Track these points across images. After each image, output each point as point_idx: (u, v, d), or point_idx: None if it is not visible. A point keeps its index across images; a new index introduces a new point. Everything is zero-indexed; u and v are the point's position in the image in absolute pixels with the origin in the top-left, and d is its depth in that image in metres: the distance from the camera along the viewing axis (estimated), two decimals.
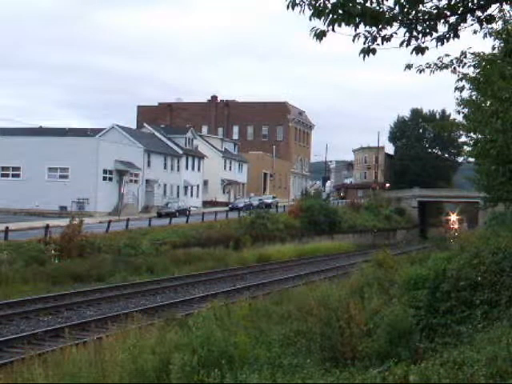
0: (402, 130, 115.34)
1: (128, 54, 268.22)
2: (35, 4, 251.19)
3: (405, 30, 6.57)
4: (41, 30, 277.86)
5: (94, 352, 11.64)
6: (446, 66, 11.70)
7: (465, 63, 11.91)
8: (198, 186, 76.88)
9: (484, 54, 13.37)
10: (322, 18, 6.27)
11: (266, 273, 34.61)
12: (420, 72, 9.58)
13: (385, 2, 6.36)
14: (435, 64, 11.24)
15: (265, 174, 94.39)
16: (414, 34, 6.59)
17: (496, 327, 9.16)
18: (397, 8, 6.38)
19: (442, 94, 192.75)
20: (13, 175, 57.40)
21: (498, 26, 11.61)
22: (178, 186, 71.81)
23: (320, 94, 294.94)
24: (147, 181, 64.72)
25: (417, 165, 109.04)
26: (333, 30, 6.32)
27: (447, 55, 11.56)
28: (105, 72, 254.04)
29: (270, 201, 73.06)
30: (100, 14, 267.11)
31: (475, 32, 8.38)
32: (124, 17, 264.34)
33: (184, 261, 34.91)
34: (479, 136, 19.14)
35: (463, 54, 11.63)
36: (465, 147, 27.42)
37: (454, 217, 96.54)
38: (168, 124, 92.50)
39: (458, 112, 18.10)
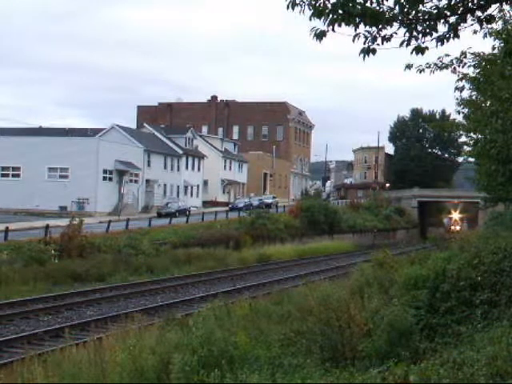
0: (402, 130, 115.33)
1: (128, 53, 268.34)
2: (35, 1, 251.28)
3: (405, 30, 6.58)
4: (41, 28, 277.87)
5: (94, 352, 11.64)
6: (446, 66, 11.74)
7: (465, 63, 11.96)
8: (197, 186, 76.92)
9: (484, 54, 13.41)
10: (322, 18, 6.29)
11: (266, 273, 34.59)
12: (420, 72, 9.61)
13: (385, 2, 6.38)
14: (435, 64, 11.27)
15: (265, 174, 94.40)
16: (414, 34, 6.60)
17: (496, 327, 9.16)
18: (397, 8, 6.38)
19: (442, 94, 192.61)
20: (13, 175, 57.44)
21: (498, 25, 11.66)
22: (178, 186, 71.84)
23: (320, 94, 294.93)
24: (147, 181, 64.75)
25: (417, 165, 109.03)
26: (333, 30, 6.34)
27: (447, 55, 11.61)
28: (104, 71, 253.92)
29: (270, 201, 73.07)
30: (100, 13, 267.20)
31: (475, 32, 8.39)
32: (124, 15, 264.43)
33: (184, 261, 34.89)
34: (479, 136, 19.16)
35: (463, 54, 11.67)
36: (465, 147, 27.45)
37: (456, 215, 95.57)
38: (168, 124, 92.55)
39: (458, 112, 18.11)
